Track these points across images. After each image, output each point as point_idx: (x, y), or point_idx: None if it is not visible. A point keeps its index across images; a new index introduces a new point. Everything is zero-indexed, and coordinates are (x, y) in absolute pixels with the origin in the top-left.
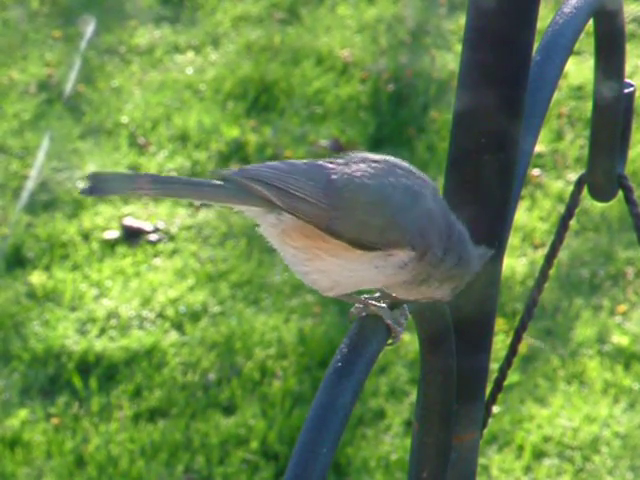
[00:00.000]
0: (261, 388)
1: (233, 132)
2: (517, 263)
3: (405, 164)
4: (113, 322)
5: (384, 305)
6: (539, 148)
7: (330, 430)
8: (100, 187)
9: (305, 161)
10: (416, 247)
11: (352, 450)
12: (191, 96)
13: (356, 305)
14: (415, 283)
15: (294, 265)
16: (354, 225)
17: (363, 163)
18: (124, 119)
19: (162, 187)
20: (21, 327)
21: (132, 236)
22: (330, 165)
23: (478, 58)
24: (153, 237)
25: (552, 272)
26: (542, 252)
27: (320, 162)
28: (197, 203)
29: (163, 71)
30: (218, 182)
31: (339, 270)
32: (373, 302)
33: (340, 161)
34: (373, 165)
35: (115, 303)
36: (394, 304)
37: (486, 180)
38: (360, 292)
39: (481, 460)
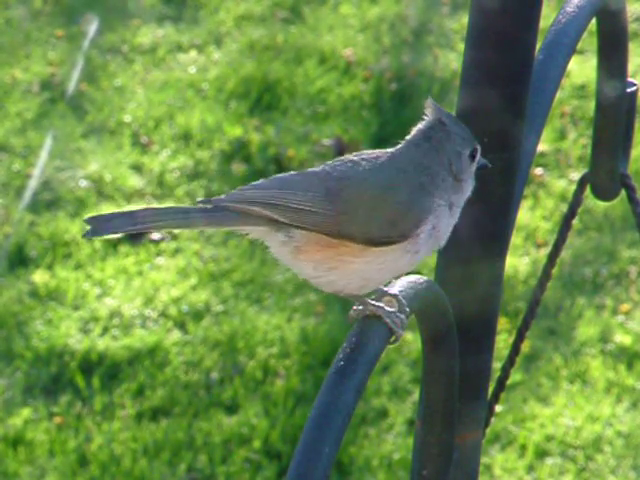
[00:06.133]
0: (264, 387)
1: (236, 131)
2: (520, 262)
3: (377, 151)
4: (116, 321)
5: (383, 305)
6: (542, 147)
7: (332, 429)
8: (101, 228)
9: (293, 173)
10: (431, 212)
11: (355, 449)
12: (194, 95)
13: (355, 307)
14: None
15: (316, 278)
16: (364, 224)
17: (347, 162)
18: (127, 118)
19: (162, 220)
20: (24, 326)
21: (135, 235)
22: (320, 172)
23: (481, 57)
24: (156, 236)
25: (555, 271)
26: (545, 251)
27: (309, 171)
28: (200, 230)
29: (166, 70)
30: (216, 208)
31: (369, 267)
32: (372, 302)
33: (327, 168)
34: (356, 161)
35: (118, 302)
36: (397, 303)
37: (489, 179)
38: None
39: (484, 459)
